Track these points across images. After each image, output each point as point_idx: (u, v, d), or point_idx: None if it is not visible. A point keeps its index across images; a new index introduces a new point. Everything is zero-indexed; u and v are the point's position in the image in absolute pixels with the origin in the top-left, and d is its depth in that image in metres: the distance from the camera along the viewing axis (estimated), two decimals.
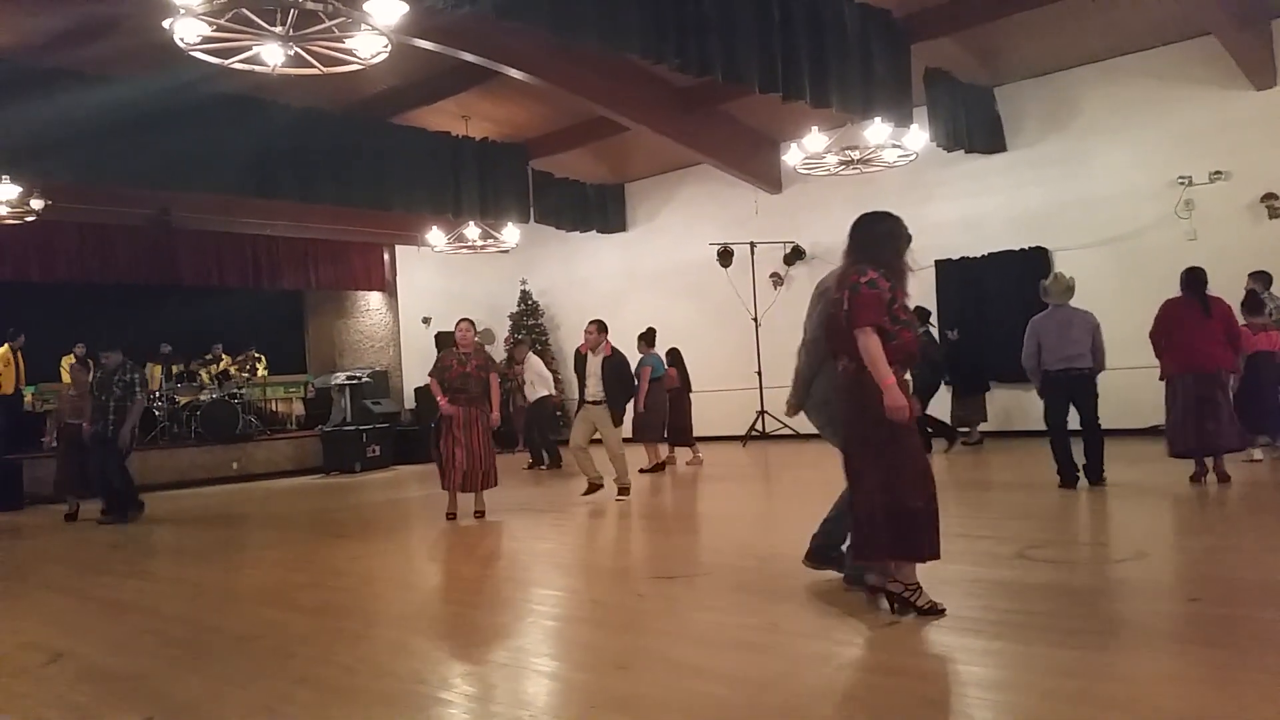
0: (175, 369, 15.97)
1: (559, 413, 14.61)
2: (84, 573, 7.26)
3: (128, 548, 8.54)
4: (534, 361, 13.73)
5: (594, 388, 9.07)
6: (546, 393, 13.46)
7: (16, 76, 10.09)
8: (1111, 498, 7.60)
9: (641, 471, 11.46)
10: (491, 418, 8.43)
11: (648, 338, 12.04)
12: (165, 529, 9.85)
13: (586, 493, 9.08)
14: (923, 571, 4.25)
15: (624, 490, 9.13)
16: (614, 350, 9.23)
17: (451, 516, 8.32)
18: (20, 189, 10.82)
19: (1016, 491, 8.65)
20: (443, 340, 16.05)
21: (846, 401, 4.35)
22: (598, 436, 9.26)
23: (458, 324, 8.70)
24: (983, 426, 12.61)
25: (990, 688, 3.40)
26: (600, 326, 9.25)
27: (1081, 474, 7.95)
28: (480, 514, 8.38)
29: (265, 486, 13.77)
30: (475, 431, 8.30)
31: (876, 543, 4.24)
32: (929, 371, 11.62)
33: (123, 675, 4.16)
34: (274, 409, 16.95)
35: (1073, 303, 8.07)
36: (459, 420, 8.24)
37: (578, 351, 9.20)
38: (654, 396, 11.50)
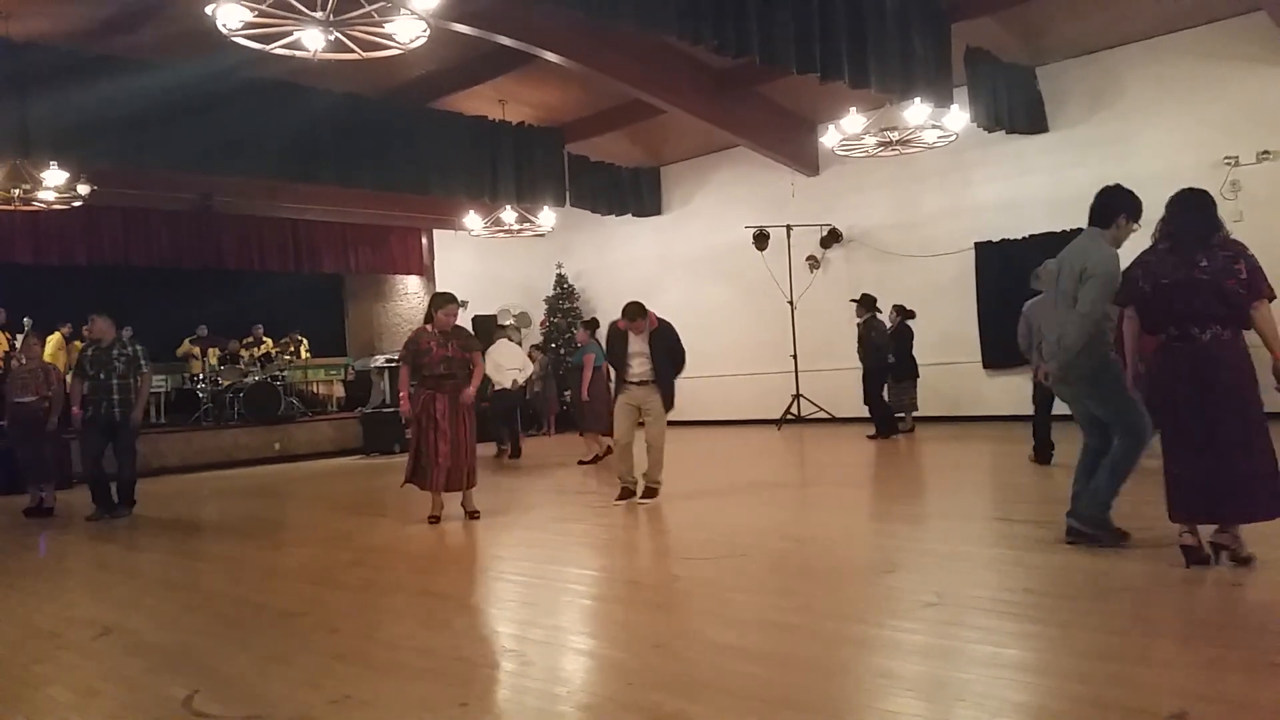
0: (219, 351, 16.21)
1: (527, 398, 14.26)
2: (132, 550, 7.43)
3: (173, 527, 8.72)
4: (497, 349, 12.55)
5: (640, 367, 7.65)
6: (509, 385, 12.57)
7: (64, 63, 10.26)
8: (1146, 481, 7.49)
9: (581, 464, 11.21)
10: (465, 393, 7.27)
11: (590, 325, 11.57)
12: (210, 508, 10.04)
13: (620, 498, 7.84)
14: (961, 553, 4.23)
15: (653, 492, 7.80)
16: (660, 321, 7.74)
17: (435, 520, 7.30)
18: (67, 174, 11.01)
19: (1053, 476, 8.56)
20: (480, 324, 16.15)
21: (1236, 367, 4.33)
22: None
23: (444, 303, 7.37)
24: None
25: (1026, 670, 3.39)
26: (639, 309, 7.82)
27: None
28: (475, 514, 7.45)
29: (307, 467, 13.98)
30: (461, 423, 7.28)
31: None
32: (877, 357, 12.12)
33: (170, 649, 4.27)
34: (315, 391, 17.18)
35: None
36: (444, 409, 7.20)
37: (613, 326, 7.84)
38: (598, 386, 10.96)
